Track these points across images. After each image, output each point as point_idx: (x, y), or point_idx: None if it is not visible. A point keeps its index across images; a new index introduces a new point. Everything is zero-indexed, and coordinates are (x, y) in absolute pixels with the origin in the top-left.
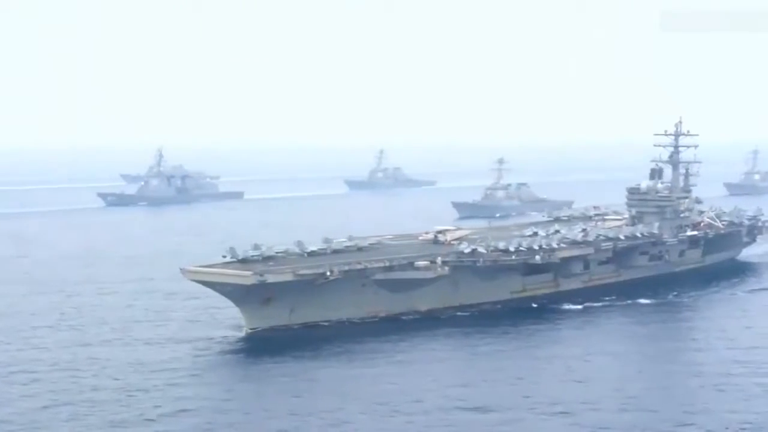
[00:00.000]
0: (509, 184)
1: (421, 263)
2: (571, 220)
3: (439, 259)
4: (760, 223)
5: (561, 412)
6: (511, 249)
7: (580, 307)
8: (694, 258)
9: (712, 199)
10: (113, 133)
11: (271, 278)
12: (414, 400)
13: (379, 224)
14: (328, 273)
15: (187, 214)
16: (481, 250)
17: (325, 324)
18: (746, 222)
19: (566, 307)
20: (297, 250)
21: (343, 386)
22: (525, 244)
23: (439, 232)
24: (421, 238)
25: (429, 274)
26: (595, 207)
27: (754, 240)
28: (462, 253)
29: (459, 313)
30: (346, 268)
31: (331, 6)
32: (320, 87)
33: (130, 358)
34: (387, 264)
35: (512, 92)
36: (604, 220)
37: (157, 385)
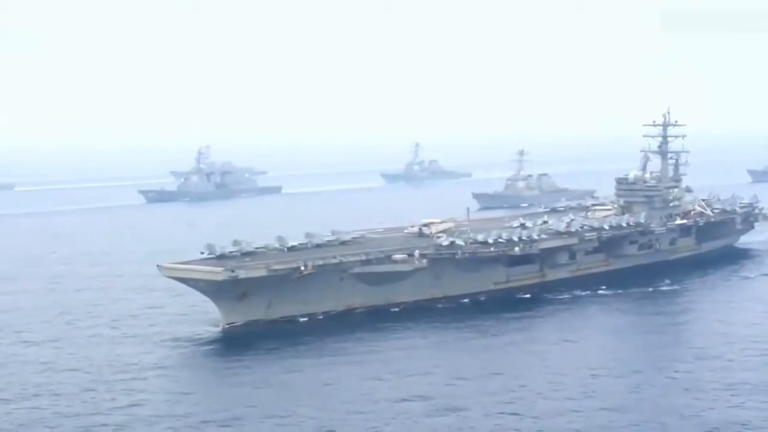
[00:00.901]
0: (530, 175)
1: (398, 256)
2: (567, 210)
3: (416, 252)
4: (756, 210)
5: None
6: (490, 241)
7: (565, 296)
8: (688, 246)
9: (735, 187)
10: (164, 132)
11: (242, 274)
12: (374, 393)
13: (404, 214)
14: (302, 267)
15: (225, 209)
16: (459, 242)
17: (303, 318)
18: (739, 210)
19: (551, 297)
20: (277, 245)
21: (307, 383)
22: (504, 235)
23: (425, 225)
24: (406, 231)
25: (406, 267)
26: (593, 197)
27: (751, 227)
28: (440, 245)
29: (440, 305)
30: (321, 262)
31: (364, 3)
32: (356, 83)
33: (104, 353)
34: (364, 258)
35: (522, 88)
36: (595, 210)
37: (121, 379)
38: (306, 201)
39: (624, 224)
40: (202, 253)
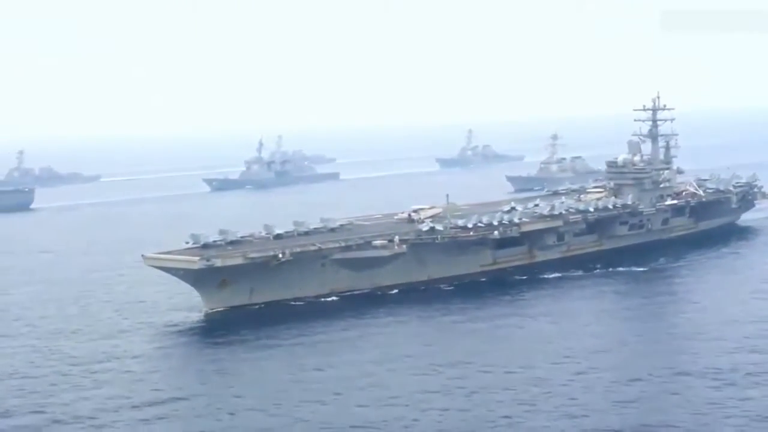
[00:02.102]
0: (563, 158)
1: (378, 242)
2: (569, 193)
3: (396, 238)
4: (755, 189)
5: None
6: (469, 225)
7: (551, 276)
8: (685, 225)
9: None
10: (241, 121)
11: (218, 262)
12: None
13: (456, 197)
14: (280, 255)
15: (284, 195)
16: (438, 227)
17: (287, 303)
18: (734, 189)
19: (538, 277)
20: (264, 233)
21: (278, 369)
22: (485, 220)
23: (414, 211)
24: (396, 217)
25: (385, 252)
26: (595, 180)
27: (751, 206)
28: (420, 231)
29: (423, 288)
30: (299, 249)
31: None
32: (412, 68)
33: (84, 341)
34: (343, 244)
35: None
36: (588, 193)
37: (90, 369)
38: (363, 186)
39: (611, 206)
40: (186, 242)
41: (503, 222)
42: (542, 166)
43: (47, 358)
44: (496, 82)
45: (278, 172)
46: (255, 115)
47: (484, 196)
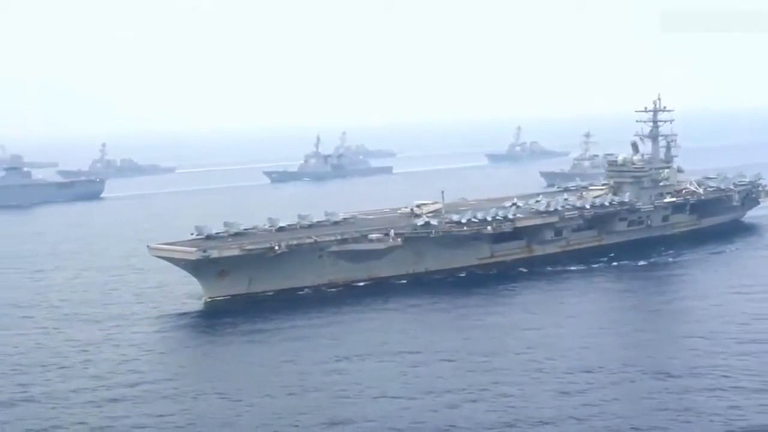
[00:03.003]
0: (596, 155)
1: (374, 236)
2: (578, 189)
3: (392, 232)
4: (759, 188)
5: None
6: (463, 221)
7: (547, 270)
8: (687, 221)
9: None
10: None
11: (214, 254)
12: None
13: (504, 189)
14: (276, 247)
15: (339, 187)
16: (433, 222)
17: (284, 292)
18: (734, 187)
19: (535, 270)
20: (268, 226)
21: (270, 357)
22: (480, 215)
23: (417, 206)
24: (399, 212)
25: (381, 245)
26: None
27: (755, 203)
28: (416, 225)
29: (419, 279)
30: (295, 242)
31: None
32: (463, 64)
33: (89, 324)
34: (339, 237)
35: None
36: (590, 190)
37: (84, 350)
38: (413, 179)
39: (607, 203)
40: (191, 234)
41: (497, 218)
42: (575, 162)
43: (52, 339)
44: (546, 79)
45: (334, 165)
46: (321, 111)
47: (518, 190)
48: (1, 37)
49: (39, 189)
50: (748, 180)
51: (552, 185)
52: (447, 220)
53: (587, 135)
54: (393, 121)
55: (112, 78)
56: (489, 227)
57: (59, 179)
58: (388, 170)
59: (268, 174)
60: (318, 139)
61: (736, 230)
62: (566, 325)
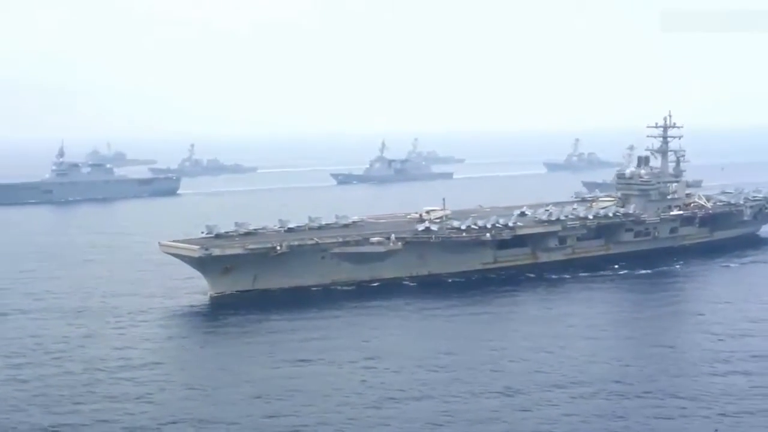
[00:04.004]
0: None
1: (375, 239)
2: (596, 200)
3: (392, 236)
4: None
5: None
6: (462, 227)
7: (551, 277)
8: (699, 234)
9: None
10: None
11: (216, 252)
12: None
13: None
14: (278, 247)
15: (401, 190)
16: (433, 227)
17: (288, 290)
18: (743, 203)
19: (534, 276)
20: (278, 226)
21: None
22: (480, 222)
23: (426, 212)
24: (409, 216)
25: (381, 248)
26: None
27: (767, 219)
28: (417, 230)
29: (409, 283)
30: (296, 243)
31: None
32: (525, 75)
33: (101, 313)
34: (341, 239)
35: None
36: (599, 201)
37: (87, 334)
38: (471, 185)
39: (611, 214)
40: (202, 232)
41: (496, 225)
42: (617, 173)
43: (68, 323)
44: (609, 89)
45: (397, 170)
46: (388, 117)
47: (556, 197)
48: (106, 49)
49: (120, 185)
50: (762, 196)
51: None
52: (448, 226)
53: (630, 147)
54: (456, 128)
55: (200, 85)
56: (488, 234)
57: (148, 175)
58: (448, 176)
59: (335, 176)
60: (383, 144)
61: (748, 244)
62: (552, 334)
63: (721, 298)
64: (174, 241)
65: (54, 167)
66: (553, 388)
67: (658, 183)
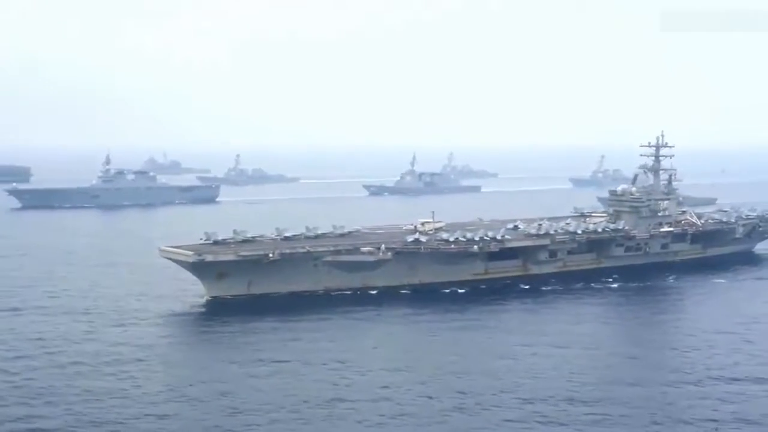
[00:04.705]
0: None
1: (365, 249)
2: (590, 215)
3: (383, 246)
4: (767, 223)
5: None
6: (451, 239)
7: (538, 288)
8: (690, 250)
9: None
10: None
11: (209, 258)
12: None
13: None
14: (271, 255)
15: (429, 201)
16: (422, 239)
17: (281, 295)
18: (734, 221)
19: (521, 287)
20: (275, 234)
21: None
22: (468, 235)
23: (421, 224)
24: (404, 227)
25: (371, 258)
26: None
27: (764, 237)
28: (406, 241)
29: (406, 291)
30: (288, 251)
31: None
32: (560, 92)
33: (104, 312)
34: (332, 248)
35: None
36: (592, 216)
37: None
38: (497, 198)
39: (600, 229)
40: (201, 238)
41: (484, 238)
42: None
43: (73, 320)
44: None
45: (427, 182)
46: (423, 132)
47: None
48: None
49: (163, 191)
50: (755, 215)
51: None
52: (437, 238)
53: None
54: (492, 143)
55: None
56: (475, 246)
57: (196, 183)
58: (476, 189)
59: (367, 187)
60: (414, 158)
61: (741, 261)
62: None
63: (702, 312)
64: (172, 246)
65: (100, 174)
66: (501, 393)
67: (649, 200)
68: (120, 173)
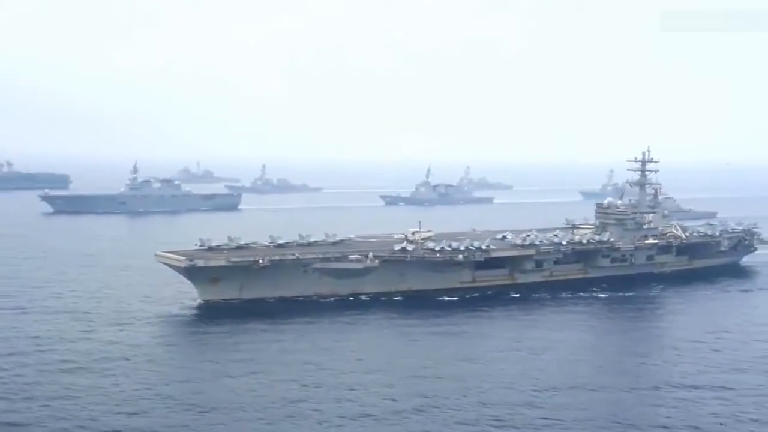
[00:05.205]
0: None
1: (353, 256)
2: (581, 227)
3: (370, 254)
4: (754, 236)
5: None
6: (437, 248)
7: (520, 296)
8: (676, 262)
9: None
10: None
11: (200, 263)
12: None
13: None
14: (260, 261)
15: (442, 212)
16: (409, 248)
17: (272, 300)
18: (719, 234)
19: (504, 296)
20: (269, 242)
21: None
22: (454, 245)
23: (413, 233)
24: (396, 236)
25: (359, 265)
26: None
27: (749, 250)
28: (393, 250)
29: (399, 298)
30: (277, 257)
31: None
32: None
33: (103, 312)
34: (321, 256)
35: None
36: (580, 228)
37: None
38: (508, 210)
39: (585, 241)
40: (195, 245)
41: (470, 248)
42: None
43: (73, 319)
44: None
45: (441, 193)
46: (457, 146)
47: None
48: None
49: (187, 199)
50: (741, 228)
51: None
52: (423, 247)
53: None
54: (510, 158)
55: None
56: (461, 255)
57: (225, 191)
58: (488, 200)
59: (383, 197)
60: (428, 170)
61: (726, 273)
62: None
63: (679, 321)
64: (166, 252)
65: (128, 182)
66: (462, 397)
67: (634, 213)
68: (146, 181)
